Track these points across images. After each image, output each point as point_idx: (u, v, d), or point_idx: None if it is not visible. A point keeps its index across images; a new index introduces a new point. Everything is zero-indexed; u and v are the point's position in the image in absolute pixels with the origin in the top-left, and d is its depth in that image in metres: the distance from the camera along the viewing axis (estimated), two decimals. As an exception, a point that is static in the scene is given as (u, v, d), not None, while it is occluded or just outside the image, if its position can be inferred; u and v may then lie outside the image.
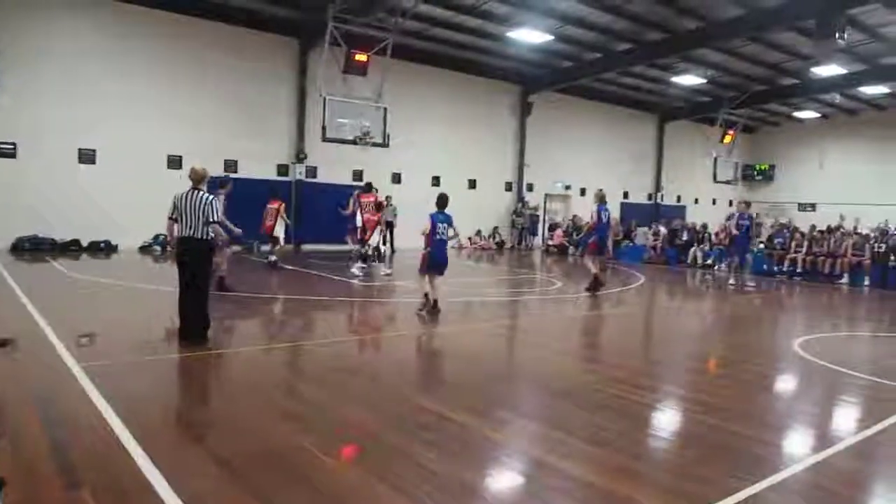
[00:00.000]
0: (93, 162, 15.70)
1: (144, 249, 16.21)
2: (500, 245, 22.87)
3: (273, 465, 3.59)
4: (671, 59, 19.77)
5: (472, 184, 22.45)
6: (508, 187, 23.65)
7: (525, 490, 3.54)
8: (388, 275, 12.96)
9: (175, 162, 16.51)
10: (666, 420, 5.04)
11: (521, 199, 23.69)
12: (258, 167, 17.54)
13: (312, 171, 18.71)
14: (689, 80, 21.79)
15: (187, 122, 16.66)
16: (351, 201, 13.00)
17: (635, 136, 27.34)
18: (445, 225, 8.50)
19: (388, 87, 16.19)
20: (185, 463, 3.61)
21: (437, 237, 8.45)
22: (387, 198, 16.02)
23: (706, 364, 7.25)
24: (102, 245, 15.78)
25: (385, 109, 16.19)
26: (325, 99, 15.35)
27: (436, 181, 21.02)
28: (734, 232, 14.58)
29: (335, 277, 12.19)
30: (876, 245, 15.74)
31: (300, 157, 18.48)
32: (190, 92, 16.73)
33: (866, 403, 5.62)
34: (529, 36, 17.61)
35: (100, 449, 3.69)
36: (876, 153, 25.64)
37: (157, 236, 16.22)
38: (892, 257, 15.33)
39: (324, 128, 15.46)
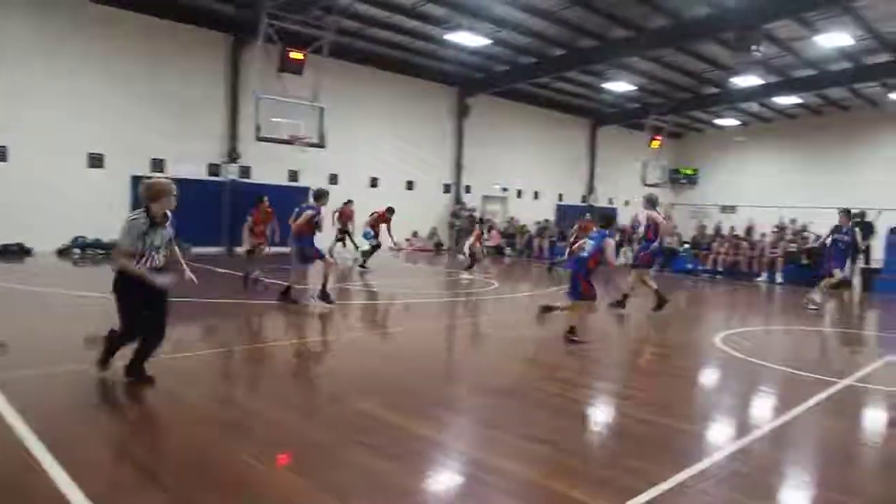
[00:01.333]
0: (3, 159, 14.73)
1: (63, 253, 15.34)
2: (438, 246, 23.00)
3: (206, 476, 3.51)
4: (603, 65, 20.44)
5: (410, 185, 22.50)
6: (447, 189, 23.81)
7: (465, 490, 3.60)
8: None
9: (97, 160, 15.74)
10: (600, 416, 5.23)
11: (458, 200, 23.90)
12: (187, 167, 16.93)
13: (246, 172, 18.26)
14: (620, 86, 22.58)
15: (110, 119, 15.89)
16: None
17: (570, 140, 28.10)
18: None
19: (325, 87, 15.99)
20: (109, 479, 3.47)
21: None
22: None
23: (637, 360, 7.55)
24: (14, 248, 14.80)
25: (322, 109, 15.99)
26: (258, 97, 15.02)
27: (374, 182, 20.94)
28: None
29: (268, 280, 11.94)
30: (789, 245, 16.81)
31: (233, 156, 17.99)
32: (114, 87, 15.96)
33: (781, 393, 6.01)
34: (467, 39, 17.82)
35: (11, 468, 3.49)
36: (788, 159, 27.30)
37: (76, 238, 15.40)
38: (804, 256, 16.40)
39: (258, 127, 15.12)
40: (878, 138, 24.40)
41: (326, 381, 5.89)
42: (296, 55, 15.29)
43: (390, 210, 15.38)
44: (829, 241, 11.32)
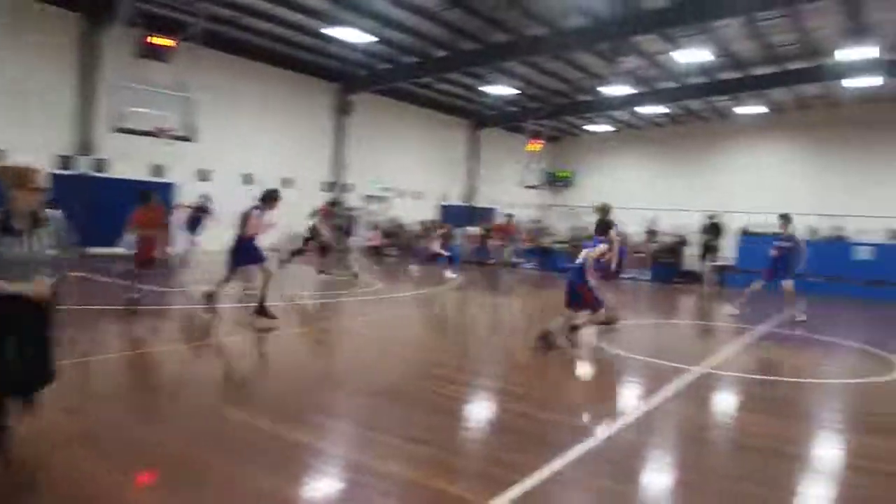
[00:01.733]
0: None
1: None
2: (322, 247, 22.49)
3: (64, 497, 3.21)
4: (484, 69, 21.02)
5: (289, 182, 21.85)
6: (327, 187, 23.40)
7: (343, 496, 3.57)
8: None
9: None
10: (477, 411, 5.38)
11: (338, 199, 23.53)
12: (30, 159, 15.27)
13: (102, 165, 16.85)
14: (501, 90, 23.32)
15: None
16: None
17: (452, 141, 28.64)
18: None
19: (196, 77, 15.12)
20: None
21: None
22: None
23: (513, 356, 7.84)
24: None
25: (191, 100, 15.11)
26: (117, 84, 13.90)
27: (247, 179, 20.12)
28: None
29: (122, 282, 11.11)
30: (653, 244, 18.25)
31: (86, 148, 16.54)
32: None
33: (646, 382, 6.50)
34: (349, 35, 17.60)
35: None
36: (656, 164, 29.57)
37: None
38: (666, 255, 17.88)
39: (116, 117, 13.99)
40: (731, 147, 27.04)
41: (194, 390, 5.58)
42: (159, 41, 14.31)
43: (333, 204, 15.07)
44: (774, 251, 11.12)
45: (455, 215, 26.17)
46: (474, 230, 22.43)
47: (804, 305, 11.00)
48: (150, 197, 9.16)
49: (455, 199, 29.04)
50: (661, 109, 25.01)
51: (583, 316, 7.52)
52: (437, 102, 26.37)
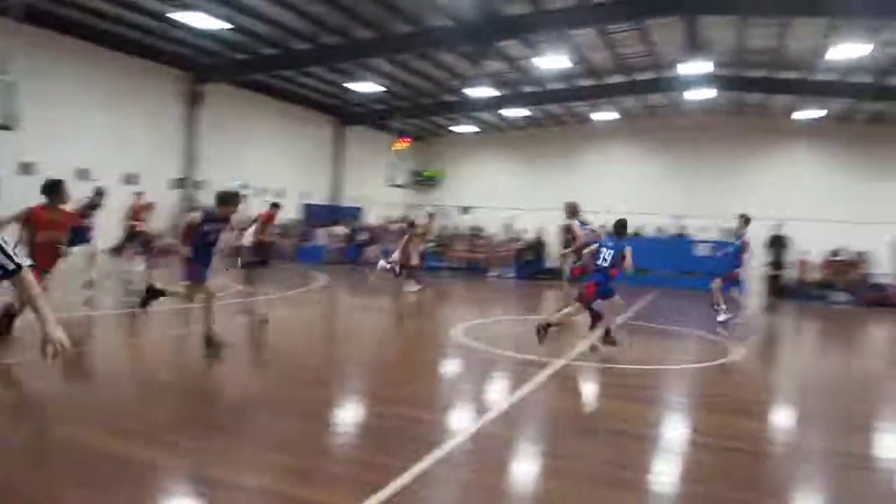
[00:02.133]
0: None
1: None
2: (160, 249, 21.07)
3: None
4: (348, 64, 20.79)
5: (133, 178, 20.23)
6: (177, 184, 21.95)
7: (196, 510, 3.35)
8: None
9: None
10: (344, 415, 5.30)
11: (190, 196, 22.16)
12: None
13: None
14: (367, 87, 23.21)
15: None
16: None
17: (316, 137, 28.02)
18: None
19: (17, 58, 13.53)
20: None
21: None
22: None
23: (379, 357, 7.82)
24: None
25: (10, 83, 13.49)
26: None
27: (83, 174, 18.35)
28: None
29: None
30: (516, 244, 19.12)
31: None
32: None
33: (511, 376, 6.76)
34: (200, 20, 16.61)
35: None
36: (520, 166, 30.89)
37: None
38: (527, 254, 18.82)
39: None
40: (589, 150, 28.88)
41: (30, 410, 4.97)
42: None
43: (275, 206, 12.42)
44: (730, 248, 11.45)
45: (319, 214, 25.70)
46: (340, 230, 22.15)
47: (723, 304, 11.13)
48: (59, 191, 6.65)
49: (319, 198, 28.47)
50: (524, 112, 26.16)
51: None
52: (300, 97, 25.68)
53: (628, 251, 7.87)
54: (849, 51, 14.29)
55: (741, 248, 10.90)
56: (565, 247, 10.35)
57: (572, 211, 9.99)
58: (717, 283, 11.02)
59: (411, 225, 14.46)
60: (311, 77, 23.06)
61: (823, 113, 21.63)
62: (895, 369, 9.58)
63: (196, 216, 7.00)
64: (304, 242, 22.89)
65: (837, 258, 18.23)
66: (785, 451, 5.03)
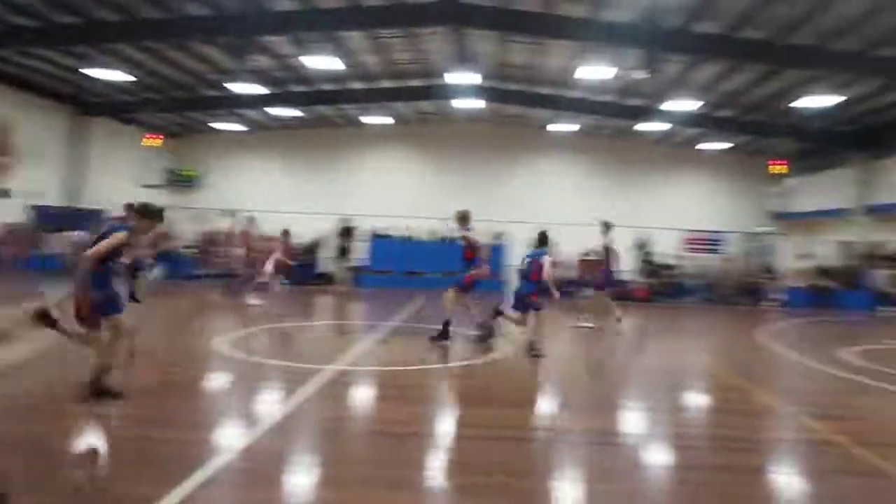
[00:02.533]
0: None
1: None
2: None
3: None
4: (88, 48, 18.57)
5: None
6: None
7: None
8: None
9: None
10: (93, 441, 4.74)
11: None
12: None
13: None
14: (110, 74, 20.91)
15: None
16: None
17: (49, 130, 24.43)
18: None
19: None
20: None
21: None
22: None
23: (134, 376, 7.13)
24: None
25: None
26: None
27: None
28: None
29: None
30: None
31: None
32: None
33: (283, 386, 6.65)
34: None
35: None
36: (291, 167, 30.21)
37: None
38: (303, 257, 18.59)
39: None
40: (363, 154, 29.22)
41: None
42: None
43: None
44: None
45: (54, 217, 22.61)
46: (80, 235, 19.63)
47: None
48: None
49: (53, 199, 24.96)
50: (294, 112, 25.71)
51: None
52: (24, 81, 22.24)
53: (546, 261, 8.79)
54: (595, 72, 16.45)
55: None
56: (467, 256, 9.84)
57: (463, 219, 9.77)
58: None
59: (286, 234, 14.29)
60: (39, 59, 20.17)
61: (577, 128, 24.74)
62: (639, 354, 11.22)
63: None
64: (33, 250, 20.04)
65: (588, 258, 20.85)
66: (550, 435, 5.58)
